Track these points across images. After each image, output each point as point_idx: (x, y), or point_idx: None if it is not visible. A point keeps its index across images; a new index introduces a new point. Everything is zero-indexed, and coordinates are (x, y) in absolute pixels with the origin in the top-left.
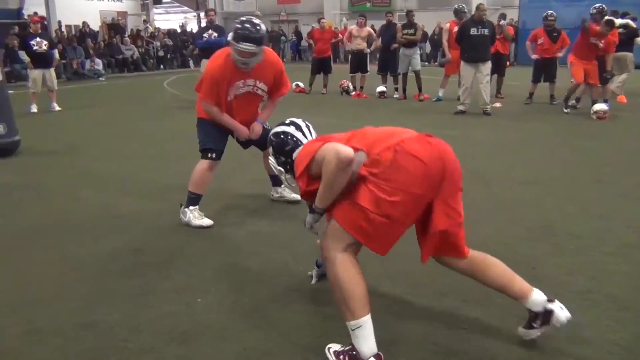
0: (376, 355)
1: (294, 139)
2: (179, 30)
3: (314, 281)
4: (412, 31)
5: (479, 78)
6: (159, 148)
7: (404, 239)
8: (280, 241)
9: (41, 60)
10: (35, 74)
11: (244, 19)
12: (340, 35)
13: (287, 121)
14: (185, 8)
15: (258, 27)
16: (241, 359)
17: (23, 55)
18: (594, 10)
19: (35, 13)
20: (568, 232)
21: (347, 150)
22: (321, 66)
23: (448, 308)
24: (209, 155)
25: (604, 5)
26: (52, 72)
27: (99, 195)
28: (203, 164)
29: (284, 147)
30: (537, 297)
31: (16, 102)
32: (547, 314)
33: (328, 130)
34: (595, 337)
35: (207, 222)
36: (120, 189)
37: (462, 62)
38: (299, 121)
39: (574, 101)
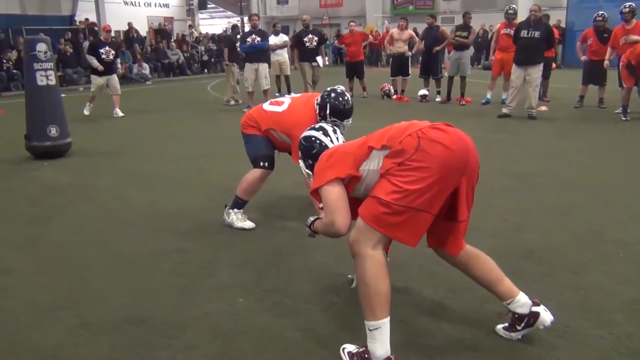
0: (387, 359)
1: (322, 144)
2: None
3: (354, 284)
4: (465, 34)
5: (528, 81)
6: (203, 149)
7: None
8: (322, 243)
9: (107, 69)
10: (99, 81)
11: (334, 94)
12: (370, 36)
13: (317, 126)
14: (229, 13)
15: (348, 99)
16: None
17: (92, 60)
18: (626, 9)
19: (87, 19)
20: (618, 240)
21: (340, 227)
22: (353, 70)
23: (490, 315)
24: (261, 164)
25: (633, 4)
26: (114, 78)
27: (147, 194)
28: (255, 173)
29: (311, 151)
30: (523, 300)
31: (67, 105)
32: (533, 317)
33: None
34: None
35: (249, 224)
36: (166, 189)
37: (513, 65)
38: (327, 126)
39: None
